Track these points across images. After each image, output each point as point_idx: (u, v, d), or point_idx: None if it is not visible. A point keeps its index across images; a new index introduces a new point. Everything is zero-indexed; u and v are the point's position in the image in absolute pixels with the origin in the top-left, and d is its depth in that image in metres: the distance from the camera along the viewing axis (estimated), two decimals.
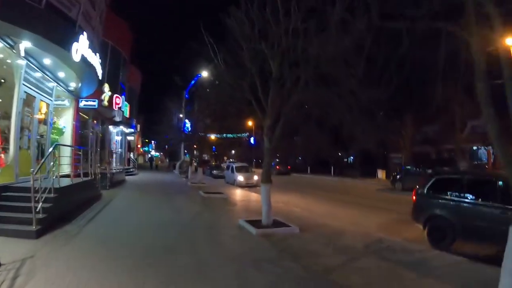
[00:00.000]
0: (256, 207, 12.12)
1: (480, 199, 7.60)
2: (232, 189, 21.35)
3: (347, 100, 8.10)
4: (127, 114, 24.11)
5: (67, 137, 16.08)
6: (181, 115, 29.45)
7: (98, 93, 18.73)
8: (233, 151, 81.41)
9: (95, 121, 22.13)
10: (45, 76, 11.87)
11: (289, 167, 44.54)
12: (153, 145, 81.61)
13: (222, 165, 38.40)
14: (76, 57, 10.52)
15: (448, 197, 8.24)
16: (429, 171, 20.76)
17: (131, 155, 50.18)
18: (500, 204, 7.02)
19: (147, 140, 79.20)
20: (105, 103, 19.17)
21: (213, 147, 64.51)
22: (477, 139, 29.78)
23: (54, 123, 15.09)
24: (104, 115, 22.44)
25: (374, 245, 7.65)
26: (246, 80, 9.28)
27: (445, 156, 31.18)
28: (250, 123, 54.48)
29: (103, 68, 15.94)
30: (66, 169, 14.45)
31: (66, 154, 14.84)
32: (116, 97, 20.66)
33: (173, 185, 22.10)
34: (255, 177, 24.36)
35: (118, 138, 31.02)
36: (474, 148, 30.53)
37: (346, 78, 7.90)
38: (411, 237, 8.69)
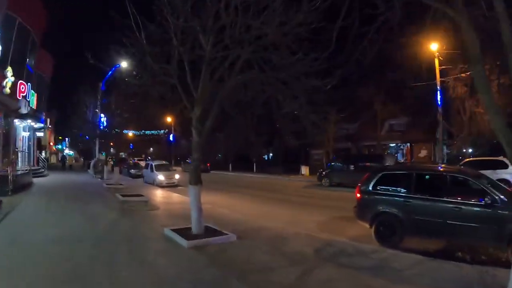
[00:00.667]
0: (181, 211, 10.72)
1: (430, 194, 7.15)
2: (152, 189, 19.46)
3: (293, 87, 7.13)
4: (33, 105, 20.27)
5: None
6: (96, 110, 26.38)
7: None
8: (151, 149, 78.17)
9: None
10: None
11: (208, 164, 41.42)
12: (67, 143, 74.63)
13: (140, 163, 35.94)
14: None
15: (396, 193, 7.73)
16: (352, 167, 21.21)
17: (42, 154, 45.16)
18: (451, 199, 6.80)
19: (60, 137, 72.23)
20: (7, 90, 15.92)
21: (131, 144, 60.72)
22: (395, 137, 31.41)
23: None
24: (7, 106, 19.04)
25: (325, 249, 6.74)
26: (173, 62, 7.73)
27: (365, 152, 32.23)
28: (169, 119, 52.16)
29: (5, 48, 13.23)
30: None
31: None
32: (21, 83, 17.35)
33: (87, 187, 19.31)
34: (176, 176, 23.05)
35: (26, 134, 27.05)
36: (392, 144, 32.02)
37: (292, 63, 6.87)
38: (357, 235, 8.06)
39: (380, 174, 8.28)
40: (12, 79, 16.14)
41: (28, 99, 18.20)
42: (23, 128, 25.97)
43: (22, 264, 5.64)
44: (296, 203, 14.82)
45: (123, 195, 14.67)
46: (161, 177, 22.36)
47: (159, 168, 23.83)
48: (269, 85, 7.43)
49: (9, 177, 14.64)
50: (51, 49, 29.69)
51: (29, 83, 17.86)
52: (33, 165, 28.25)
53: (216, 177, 32.50)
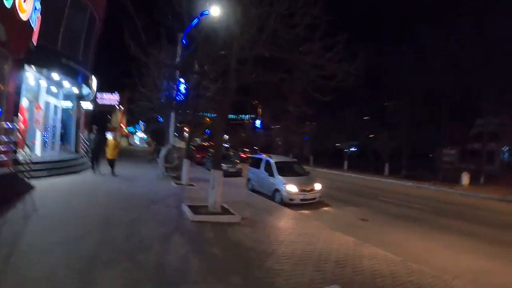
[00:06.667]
0: None
1: None
2: (285, 219, 8.42)
3: None
4: (34, 24, 8.19)
5: None
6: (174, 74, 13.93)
7: None
8: (226, 136, 67.09)
9: None
10: None
11: None
12: (141, 126, 65.63)
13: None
14: None
15: None
16: None
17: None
18: None
19: (136, 120, 63.43)
20: None
21: (207, 130, 47.61)
22: None
23: None
24: None
25: None
26: None
27: None
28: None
29: None
30: None
31: None
32: None
33: (133, 233, 6.06)
34: (317, 186, 11.55)
35: (58, 103, 16.11)
36: None
37: None
38: None
39: None
40: None
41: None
42: (53, 94, 15.09)
43: None
44: None
45: None
46: (292, 188, 11.11)
47: (284, 169, 12.13)
48: None
49: None
50: None
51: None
52: (74, 152, 17.62)
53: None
